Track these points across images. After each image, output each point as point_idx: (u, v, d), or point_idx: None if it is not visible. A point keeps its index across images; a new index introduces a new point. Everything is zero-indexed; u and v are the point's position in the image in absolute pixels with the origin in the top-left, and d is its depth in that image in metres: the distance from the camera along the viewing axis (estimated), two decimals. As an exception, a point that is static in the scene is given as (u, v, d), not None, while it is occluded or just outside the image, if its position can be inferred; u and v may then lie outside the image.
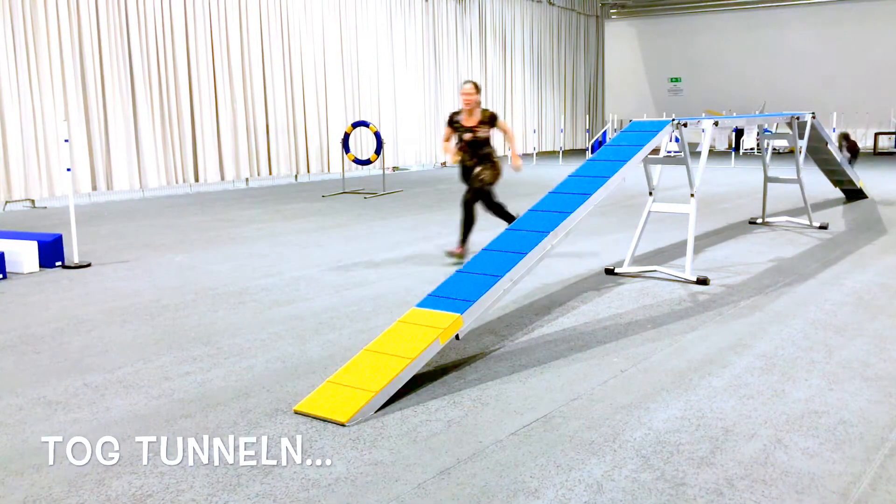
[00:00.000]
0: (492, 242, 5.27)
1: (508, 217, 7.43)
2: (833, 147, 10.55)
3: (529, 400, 4.01)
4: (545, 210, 5.50)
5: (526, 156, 23.16)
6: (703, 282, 6.49)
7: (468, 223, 7.46)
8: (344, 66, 17.40)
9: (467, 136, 7.36)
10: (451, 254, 7.46)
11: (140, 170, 13.65)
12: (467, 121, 7.38)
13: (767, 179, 9.60)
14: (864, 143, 23.45)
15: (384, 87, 18.52)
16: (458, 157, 7.48)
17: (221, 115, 14.80)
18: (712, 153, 18.97)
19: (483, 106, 7.53)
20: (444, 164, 20.65)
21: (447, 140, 7.61)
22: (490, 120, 7.42)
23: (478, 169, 7.33)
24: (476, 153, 7.38)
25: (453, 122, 7.49)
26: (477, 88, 7.39)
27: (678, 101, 26.93)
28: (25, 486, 3.15)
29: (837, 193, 12.05)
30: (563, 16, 25.66)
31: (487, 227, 9.35)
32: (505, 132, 7.65)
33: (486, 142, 7.40)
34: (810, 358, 4.63)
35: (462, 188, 7.59)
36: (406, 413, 3.86)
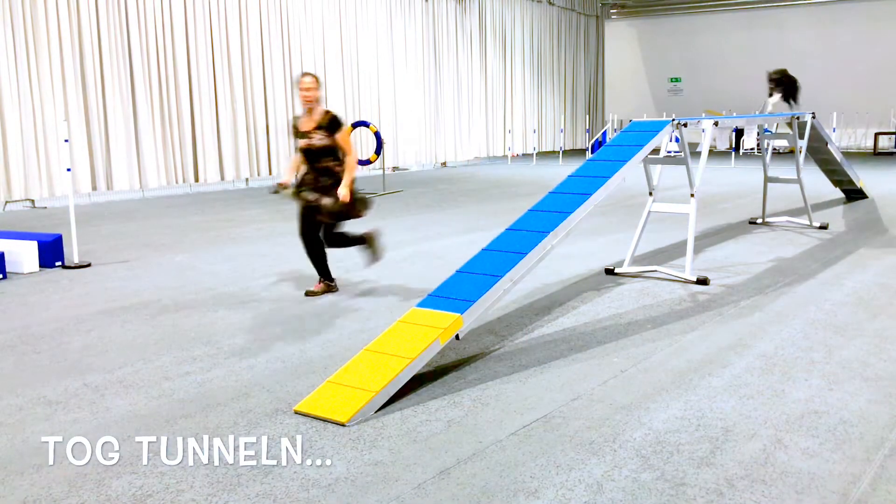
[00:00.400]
0: (492, 242, 5.27)
1: (358, 240, 6.21)
2: (833, 147, 10.54)
3: (529, 400, 4.01)
4: (545, 210, 5.50)
5: (526, 156, 23.21)
6: (703, 282, 6.49)
7: (316, 255, 6.19)
8: (344, 66, 17.40)
9: (301, 142, 5.91)
10: (310, 293, 6.24)
11: (140, 170, 13.65)
12: (305, 124, 5.93)
13: (767, 179, 9.60)
14: (864, 142, 23.48)
15: (384, 87, 18.52)
16: (295, 171, 6.06)
17: (221, 115, 14.80)
18: (712, 153, 18.97)
19: (326, 108, 6.03)
20: (444, 163, 20.65)
21: (295, 157, 6.12)
22: (329, 125, 5.84)
23: (323, 200, 5.84)
24: (314, 167, 5.90)
25: (295, 128, 6.02)
26: (318, 82, 5.95)
27: (678, 101, 26.93)
28: (25, 486, 3.15)
29: (837, 193, 12.05)
30: (563, 16, 25.66)
31: (487, 227, 9.38)
32: (344, 151, 5.91)
33: (325, 152, 5.86)
34: (810, 358, 4.63)
35: None
36: (406, 413, 3.86)
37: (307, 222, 6.03)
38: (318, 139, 5.83)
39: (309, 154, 5.90)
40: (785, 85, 9.94)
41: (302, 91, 5.87)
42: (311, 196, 5.90)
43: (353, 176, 5.91)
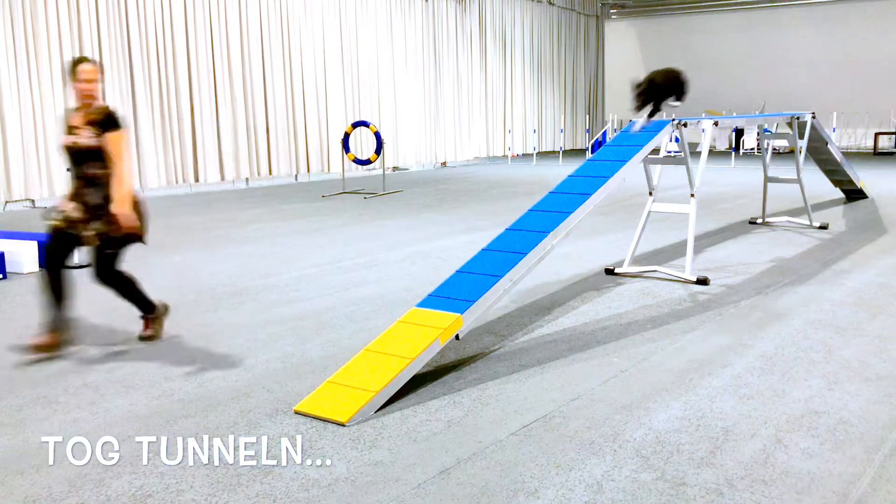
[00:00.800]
0: (492, 242, 5.27)
1: (143, 303, 5.00)
2: (833, 147, 10.54)
3: (529, 400, 4.01)
4: (545, 210, 5.50)
5: (526, 156, 23.21)
6: (703, 282, 6.49)
7: (57, 293, 4.76)
8: (344, 66, 17.39)
9: (66, 140, 4.69)
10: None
11: (140, 170, 13.65)
12: (74, 118, 4.74)
13: (767, 179, 9.60)
14: (864, 142, 23.48)
15: (384, 87, 18.52)
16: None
17: (221, 115, 14.80)
18: (712, 153, 18.99)
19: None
20: (444, 163, 20.65)
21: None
22: (102, 122, 4.62)
23: (92, 224, 4.62)
24: (80, 173, 4.67)
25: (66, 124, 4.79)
26: (100, 71, 4.81)
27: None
28: (25, 486, 3.15)
29: (837, 193, 12.05)
30: (563, 16, 25.65)
31: (487, 227, 9.39)
32: (113, 158, 4.62)
33: (93, 154, 4.63)
34: (810, 358, 4.63)
35: None
36: (406, 413, 3.86)
37: (59, 245, 4.72)
38: (86, 138, 4.62)
39: (75, 156, 4.67)
40: (655, 94, 6.02)
41: (82, 82, 4.66)
42: (76, 214, 4.64)
43: (127, 188, 4.65)
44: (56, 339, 4.79)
